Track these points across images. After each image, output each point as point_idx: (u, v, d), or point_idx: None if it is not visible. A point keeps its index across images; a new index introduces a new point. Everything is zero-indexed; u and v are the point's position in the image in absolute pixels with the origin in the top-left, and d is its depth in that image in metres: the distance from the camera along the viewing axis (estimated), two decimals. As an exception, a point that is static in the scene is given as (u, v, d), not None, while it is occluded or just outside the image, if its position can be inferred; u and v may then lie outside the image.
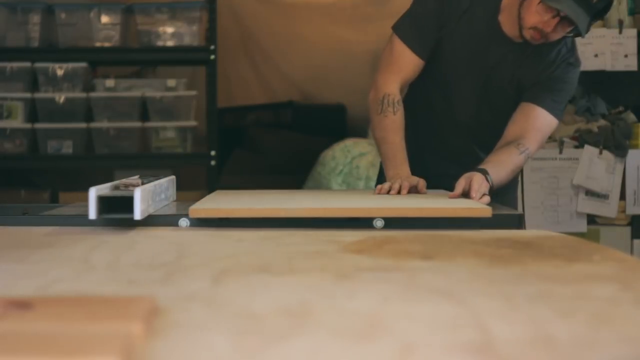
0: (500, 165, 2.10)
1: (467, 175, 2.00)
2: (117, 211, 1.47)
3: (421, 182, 2.00)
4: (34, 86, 3.77)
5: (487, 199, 1.95)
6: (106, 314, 0.75)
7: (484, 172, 2.02)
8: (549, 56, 2.18)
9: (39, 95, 3.74)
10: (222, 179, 4.09)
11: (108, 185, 1.54)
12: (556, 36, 2.09)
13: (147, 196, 1.53)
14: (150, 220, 1.55)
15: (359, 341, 0.72)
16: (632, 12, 3.87)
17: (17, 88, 3.75)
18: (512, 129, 2.19)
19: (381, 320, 0.80)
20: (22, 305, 0.75)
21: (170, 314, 0.81)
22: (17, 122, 3.74)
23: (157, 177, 1.75)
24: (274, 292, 0.95)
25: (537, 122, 2.18)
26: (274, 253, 1.27)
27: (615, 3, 3.84)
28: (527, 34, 2.09)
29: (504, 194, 2.22)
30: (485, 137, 2.28)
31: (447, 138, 2.32)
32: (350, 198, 1.97)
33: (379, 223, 1.54)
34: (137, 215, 1.43)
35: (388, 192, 1.95)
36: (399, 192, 1.95)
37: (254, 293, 0.94)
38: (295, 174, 4.45)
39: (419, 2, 2.24)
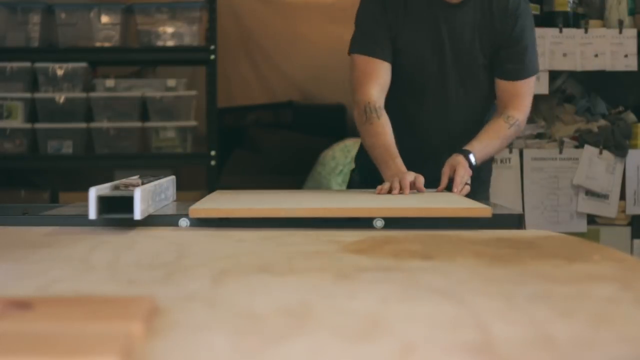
0: (487, 141, 2.19)
1: (451, 163, 2.08)
2: (117, 211, 1.47)
3: (419, 179, 2.00)
4: (34, 86, 3.77)
5: (467, 189, 2.02)
6: (106, 314, 0.75)
7: (466, 154, 2.10)
8: (501, 9, 2.21)
9: (39, 95, 3.74)
10: (222, 179, 4.09)
11: (108, 185, 1.54)
12: None
13: (147, 196, 1.53)
14: (150, 220, 1.55)
15: (359, 341, 0.72)
16: (632, 12, 3.86)
17: (17, 88, 3.75)
18: (497, 102, 2.28)
19: (381, 320, 0.80)
20: (22, 305, 0.75)
21: (170, 314, 0.81)
22: (17, 122, 3.74)
23: (157, 177, 1.75)
24: (274, 292, 0.95)
25: (520, 90, 2.26)
26: (274, 253, 1.27)
27: (615, 3, 3.85)
28: None
29: (476, 178, 2.24)
30: (469, 123, 2.30)
31: (427, 138, 2.32)
32: (350, 198, 1.97)
33: (379, 223, 1.54)
34: (137, 215, 1.43)
35: (389, 192, 1.96)
36: (400, 192, 1.95)
37: (254, 293, 0.94)
38: (295, 174, 4.45)
39: (360, 13, 2.29)
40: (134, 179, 1.64)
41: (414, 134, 2.30)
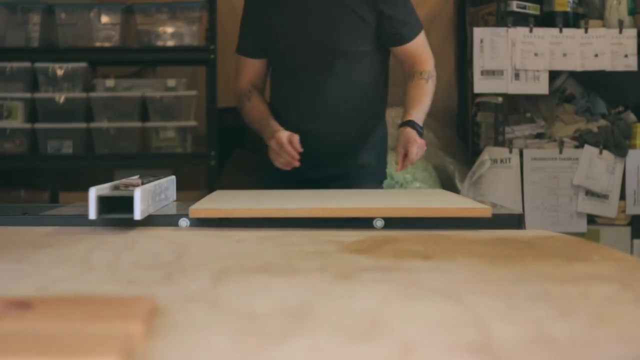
0: (421, 105, 2.37)
1: (403, 141, 2.23)
2: (117, 211, 1.47)
3: (293, 137, 2.24)
4: (34, 86, 3.77)
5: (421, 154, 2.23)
6: (106, 314, 0.75)
7: (413, 126, 2.26)
8: None
9: (39, 95, 3.74)
10: (222, 179, 4.08)
11: (108, 185, 1.54)
12: None
13: (147, 196, 1.53)
14: (150, 220, 1.55)
15: (359, 341, 0.72)
16: (632, 12, 3.86)
17: (17, 88, 3.75)
18: (403, 68, 2.47)
19: (381, 320, 0.80)
20: (22, 305, 0.75)
21: (170, 314, 0.81)
22: (17, 122, 3.74)
23: (157, 177, 1.75)
24: (274, 292, 0.95)
25: (417, 47, 2.46)
26: (274, 253, 1.27)
27: (615, 3, 3.85)
28: None
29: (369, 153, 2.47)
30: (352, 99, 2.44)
31: (309, 118, 2.45)
32: (350, 198, 1.97)
33: (379, 223, 1.54)
34: (137, 215, 1.43)
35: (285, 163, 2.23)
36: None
37: (254, 293, 0.94)
38: (295, 174, 4.44)
39: (242, 17, 2.57)
40: (134, 179, 1.64)
41: (300, 111, 2.46)
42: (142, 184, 1.55)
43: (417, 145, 2.21)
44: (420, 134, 2.28)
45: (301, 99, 2.44)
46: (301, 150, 2.22)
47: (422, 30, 2.49)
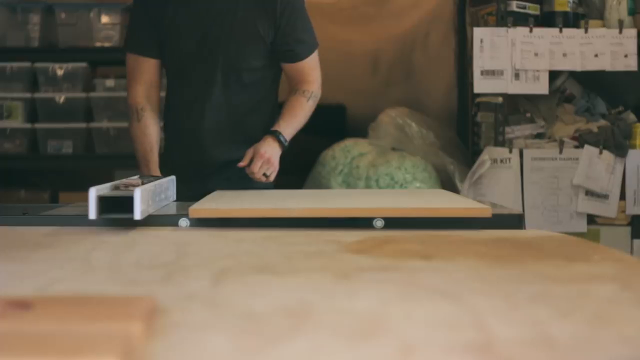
0: (294, 120, 2.37)
1: (258, 147, 2.23)
2: (117, 211, 1.47)
3: None
4: (34, 86, 3.77)
5: (262, 179, 2.22)
6: (106, 314, 0.75)
7: (277, 136, 2.27)
8: None
9: (39, 95, 3.74)
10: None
11: (108, 185, 1.54)
12: None
13: (147, 196, 1.53)
14: (150, 220, 1.55)
15: (359, 341, 0.72)
16: (632, 12, 3.86)
17: (17, 88, 3.75)
18: (290, 82, 2.44)
19: (381, 320, 0.80)
20: (22, 305, 0.75)
21: (170, 314, 0.81)
22: (17, 122, 3.74)
23: (158, 177, 1.74)
24: (274, 292, 0.95)
25: (307, 67, 2.42)
26: (274, 253, 1.27)
27: (615, 3, 3.85)
28: None
29: None
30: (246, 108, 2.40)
31: (198, 119, 2.39)
32: (350, 198, 1.98)
33: (379, 223, 1.54)
34: (137, 215, 1.43)
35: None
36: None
37: (254, 293, 0.94)
38: (295, 174, 4.44)
39: (130, 13, 2.45)
40: (134, 179, 1.64)
41: (189, 116, 2.39)
42: (142, 183, 1.55)
43: (263, 161, 2.21)
44: (283, 146, 2.29)
45: (194, 108, 2.37)
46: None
47: (316, 50, 2.45)
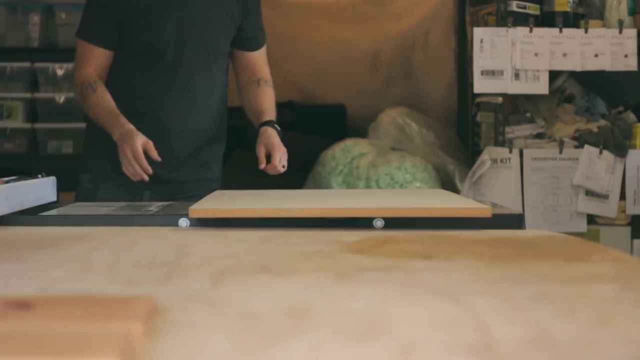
0: (273, 109, 2.39)
1: (264, 142, 2.22)
2: None
3: (148, 144, 2.12)
4: (34, 86, 3.77)
5: (282, 170, 2.23)
6: (106, 314, 0.75)
7: (274, 126, 2.29)
8: None
9: (39, 95, 3.74)
10: (222, 179, 4.08)
11: None
12: None
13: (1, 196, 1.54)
14: (151, 220, 1.55)
15: (359, 341, 0.72)
16: (632, 12, 3.86)
17: (17, 88, 3.75)
18: (241, 75, 2.46)
19: (381, 320, 0.80)
20: (22, 305, 0.75)
21: (170, 314, 0.81)
22: (17, 122, 3.75)
23: (36, 177, 1.76)
24: (274, 292, 0.95)
25: (263, 57, 2.48)
26: (274, 253, 1.27)
27: (615, 3, 3.85)
28: None
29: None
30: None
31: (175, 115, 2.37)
32: (350, 198, 1.97)
33: (379, 223, 1.53)
34: None
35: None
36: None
37: (254, 293, 0.94)
38: (295, 174, 4.44)
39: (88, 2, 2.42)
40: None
41: (150, 100, 2.35)
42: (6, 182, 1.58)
43: (282, 152, 2.22)
44: (280, 135, 2.30)
45: (163, 93, 2.33)
46: (159, 159, 2.12)
47: (264, 38, 2.50)
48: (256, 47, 2.43)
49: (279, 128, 2.31)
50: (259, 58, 2.45)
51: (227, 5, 2.33)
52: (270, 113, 2.37)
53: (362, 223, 1.54)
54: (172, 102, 2.34)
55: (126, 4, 2.30)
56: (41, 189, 1.82)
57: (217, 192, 2.03)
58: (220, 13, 2.32)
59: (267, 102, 2.40)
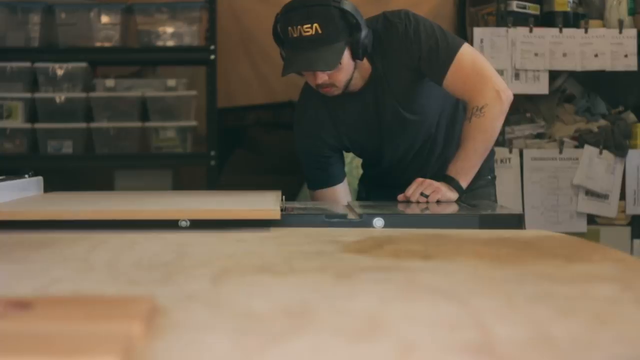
0: (464, 155, 2.08)
1: (419, 180, 2.07)
2: None
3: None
4: (34, 86, 3.77)
5: (434, 196, 2.01)
6: (106, 314, 0.75)
7: (448, 180, 2.06)
8: (399, 43, 2.19)
9: (39, 95, 3.74)
10: (222, 179, 4.08)
11: None
12: (325, 77, 2.21)
13: None
14: (150, 221, 1.55)
15: (359, 341, 0.72)
16: (632, 12, 3.86)
17: (17, 88, 3.75)
18: (464, 103, 2.21)
19: (381, 320, 0.80)
20: (22, 305, 0.75)
21: (170, 314, 0.81)
22: (17, 122, 3.74)
23: (19, 177, 1.79)
24: (274, 292, 0.95)
25: (462, 75, 2.09)
26: (274, 253, 1.27)
27: (615, 3, 3.85)
28: (323, 92, 2.24)
29: (476, 184, 2.30)
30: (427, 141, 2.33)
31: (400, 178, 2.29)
32: (163, 199, 2.00)
33: (379, 223, 1.54)
34: None
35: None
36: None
37: (254, 293, 0.94)
38: (295, 174, 4.44)
39: (299, 149, 2.36)
40: None
41: (391, 181, 2.33)
42: None
43: (423, 187, 2.02)
44: (460, 194, 2.05)
45: (392, 176, 2.36)
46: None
47: (462, 47, 2.10)
48: (439, 75, 2.12)
49: (459, 185, 2.06)
50: (453, 82, 2.12)
51: (408, 80, 2.18)
52: (456, 168, 2.10)
53: (362, 223, 1.53)
54: (403, 177, 2.26)
55: (334, 133, 2.34)
56: (27, 188, 1.85)
57: (50, 194, 2.07)
58: (406, 92, 2.21)
59: (461, 152, 2.12)
